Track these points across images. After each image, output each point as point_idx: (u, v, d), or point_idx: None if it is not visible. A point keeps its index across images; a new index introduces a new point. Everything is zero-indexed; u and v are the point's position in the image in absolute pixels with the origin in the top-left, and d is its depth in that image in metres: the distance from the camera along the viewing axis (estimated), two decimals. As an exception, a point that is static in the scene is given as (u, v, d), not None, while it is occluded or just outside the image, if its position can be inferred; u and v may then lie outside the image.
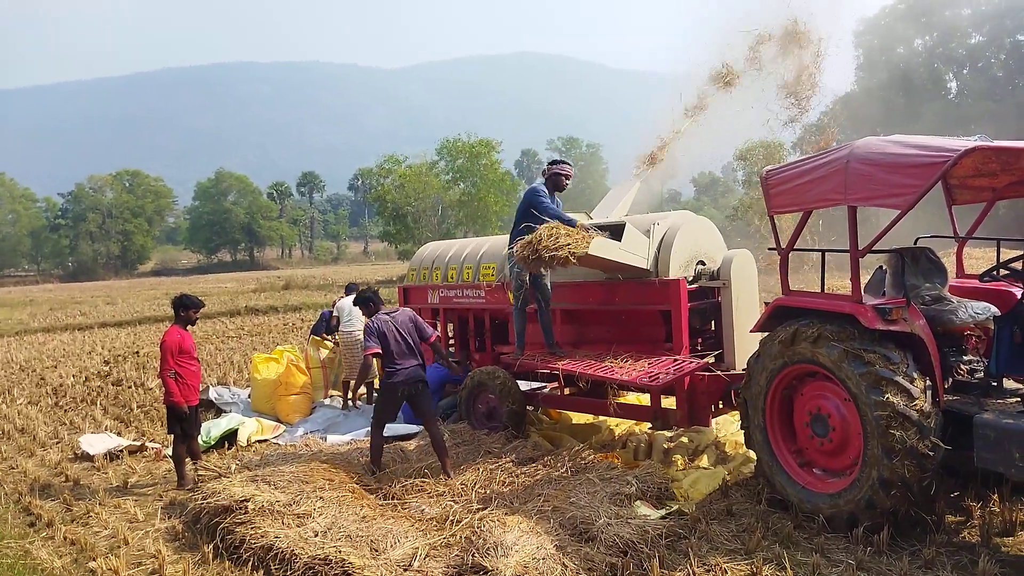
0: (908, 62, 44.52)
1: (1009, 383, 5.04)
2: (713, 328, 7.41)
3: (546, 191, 7.20)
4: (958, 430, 4.64)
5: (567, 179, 7.39)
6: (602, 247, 6.56)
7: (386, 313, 6.67)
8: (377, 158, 50.29)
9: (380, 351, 6.45)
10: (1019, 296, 5.08)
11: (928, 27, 44.59)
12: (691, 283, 7.02)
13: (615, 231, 6.94)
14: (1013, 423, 4.30)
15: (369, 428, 8.52)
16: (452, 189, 45.98)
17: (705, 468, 6.38)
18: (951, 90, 45.62)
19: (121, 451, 8.23)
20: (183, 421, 6.96)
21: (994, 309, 5.05)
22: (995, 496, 5.27)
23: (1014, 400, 4.80)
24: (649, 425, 7.32)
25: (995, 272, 5.40)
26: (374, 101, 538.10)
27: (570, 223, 6.80)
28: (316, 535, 5.10)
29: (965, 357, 5.21)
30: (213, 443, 8.14)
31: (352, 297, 10.18)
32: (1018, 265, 5.21)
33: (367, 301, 6.86)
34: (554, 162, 7.47)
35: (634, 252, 6.85)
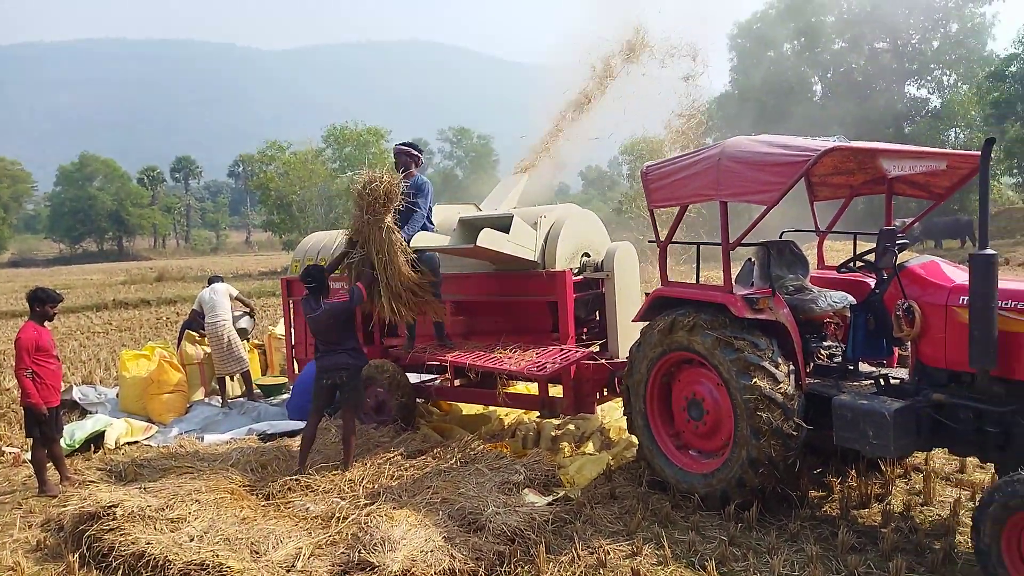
0: (778, 65, 47.18)
1: (864, 367, 5.47)
2: (597, 318, 7.61)
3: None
4: (819, 411, 4.99)
5: (411, 163, 7.22)
6: (490, 239, 6.59)
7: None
8: (259, 143, 48.36)
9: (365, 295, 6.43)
10: (872, 286, 5.50)
11: (796, 32, 47.36)
12: (576, 274, 7.17)
13: (503, 223, 7.00)
14: (867, 404, 4.65)
15: (250, 426, 8.25)
16: (339, 178, 44.89)
17: (591, 454, 6.56)
18: (816, 92, 48.67)
19: (-28, 458, 7.57)
20: (42, 423, 6.47)
21: (851, 298, 5.45)
22: (852, 472, 5.71)
23: (868, 382, 5.20)
24: (537, 414, 7.44)
25: (852, 264, 5.82)
26: (255, 84, 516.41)
27: None
28: (192, 540, 4.86)
29: (825, 343, 5.60)
30: (78, 446, 7.61)
31: (213, 287, 9.78)
32: (872, 257, 5.63)
33: (310, 277, 6.40)
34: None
35: (522, 244, 6.93)
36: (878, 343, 5.36)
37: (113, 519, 5.12)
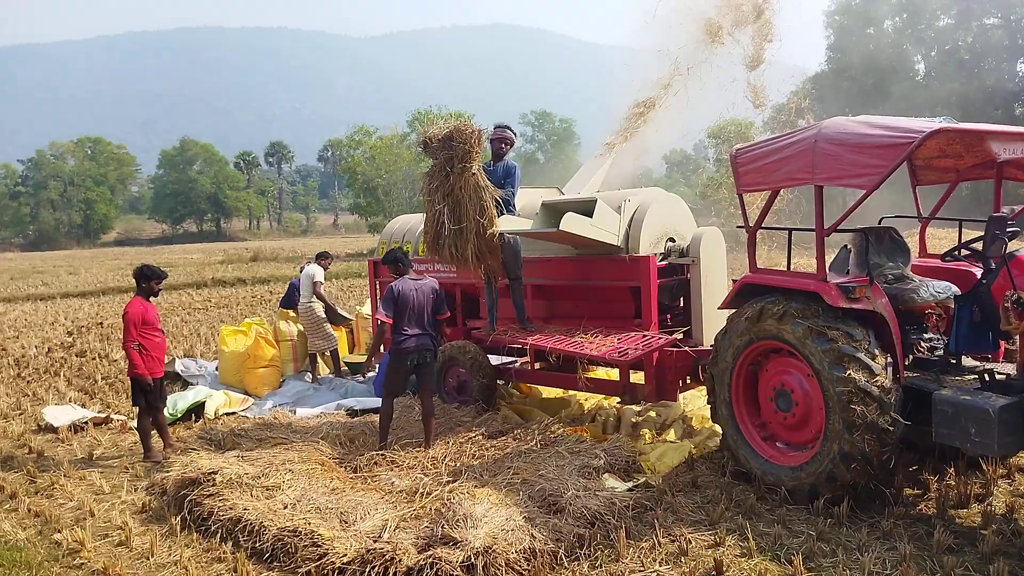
0: (878, 43, 44.90)
1: (968, 361, 5.19)
2: (682, 304, 7.49)
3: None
4: (917, 406, 4.78)
5: (505, 145, 7.26)
6: (573, 223, 6.58)
7: (411, 279, 6.50)
8: (347, 128, 49.58)
9: (391, 320, 6.35)
10: (979, 276, 5.20)
11: (898, 8, 44.95)
12: (661, 260, 7.08)
13: (587, 207, 6.96)
14: (970, 399, 4.43)
15: (339, 402, 8.52)
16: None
17: (672, 442, 6.48)
18: (919, 72, 46.14)
19: (86, 423, 8.12)
20: (148, 393, 6.88)
21: (955, 288, 5.18)
22: (951, 470, 5.45)
23: (972, 377, 4.94)
24: (618, 399, 7.41)
25: (957, 252, 5.53)
26: (344, 70, 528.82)
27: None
28: (285, 507, 5.10)
29: (926, 335, 5.34)
30: (180, 415, 8.07)
31: (304, 268, 10.11)
32: (979, 246, 5.33)
33: (396, 261, 6.56)
34: (496, 127, 7.32)
35: (605, 228, 6.88)
36: (983, 336, 5.08)
37: (213, 485, 5.42)
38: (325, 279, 10.23)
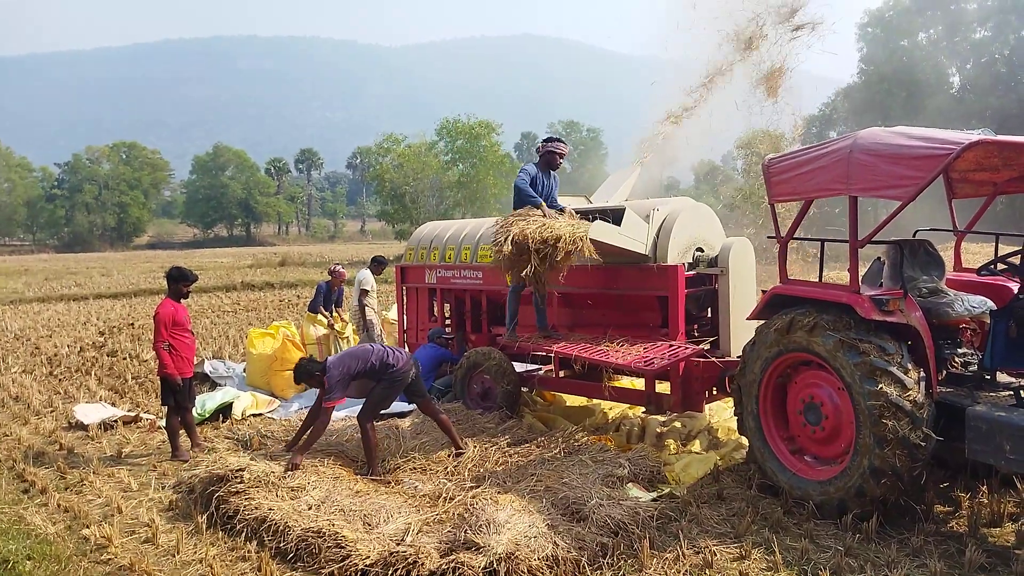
0: (911, 55, 44.35)
1: (1003, 377, 5.08)
2: (709, 315, 7.43)
3: (535, 170, 7.18)
4: (950, 422, 4.68)
5: (561, 157, 7.38)
6: (601, 231, 6.56)
7: (341, 357, 6.38)
8: (376, 137, 50.00)
9: (343, 400, 6.31)
10: (1015, 291, 5.10)
11: (933, 20, 44.36)
12: (689, 269, 7.03)
13: (615, 216, 6.94)
14: (1005, 416, 4.33)
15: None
16: (451, 170, 45.80)
17: (697, 453, 6.42)
18: (954, 84, 45.46)
19: (115, 421, 8.25)
20: (177, 393, 6.97)
21: (990, 303, 5.08)
22: (984, 487, 5.32)
23: (1007, 393, 4.84)
24: (643, 409, 7.36)
25: (993, 266, 5.42)
26: (374, 79, 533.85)
27: (533, 201, 6.85)
28: (310, 508, 5.14)
29: (960, 350, 5.24)
30: (208, 416, 8.16)
31: (364, 271, 10.37)
32: (1016, 260, 5.23)
33: (309, 375, 6.29)
34: (547, 139, 7.42)
35: (633, 237, 6.86)
36: (1019, 352, 4.97)
37: (240, 482, 5.47)
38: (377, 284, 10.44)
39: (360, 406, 6.38)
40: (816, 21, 8.55)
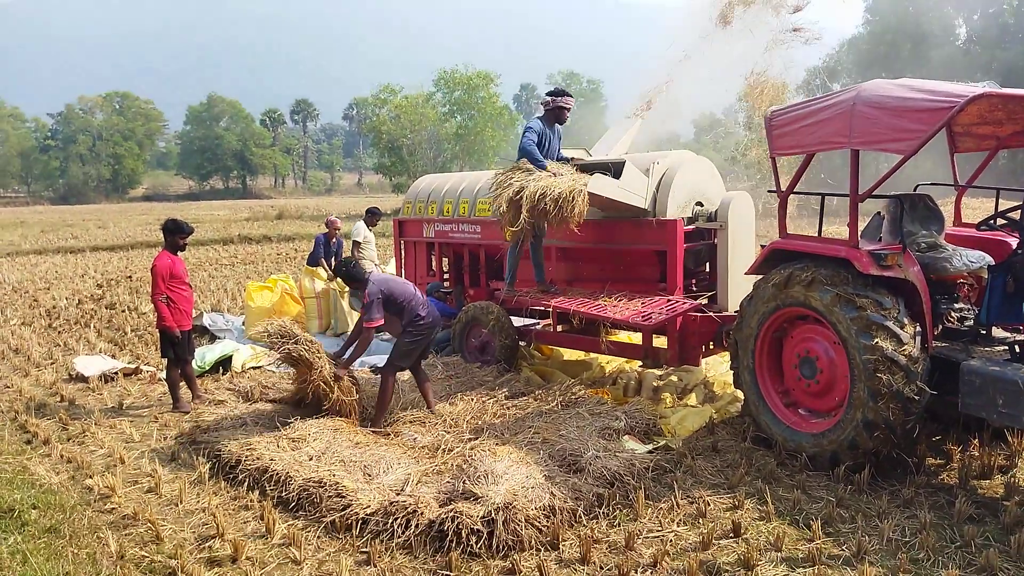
0: (917, 5, 43.45)
1: (998, 332, 5.11)
2: (707, 269, 7.43)
3: (541, 126, 7.07)
4: (944, 376, 4.73)
5: (568, 111, 7.25)
6: (600, 185, 6.51)
7: (379, 274, 6.45)
8: (373, 87, 49.22)
9: (382, 321, 6.11)
10: (1014, 246, 5.09)
11: (940, -30, 43.37)
12: (688, 224, 7.00)
13: (615, 169, 6.88)
14: (999, 371, 4.37)
15: (362, 359, 8.57)
16: (448, 122, 45.24)
17: (693, 406, 6.49)
18: (960, 36, 44.67)
19: (116, 373, 8.30)
20: (176, 345, 7.00)
21: (989, 258, 5.07)
22: (975, 441, 5.40)
23: (1002, 348, 4.87)
24: (639, 363, 7.41)
25: (993, 221, 5.40)
26: (371, 27, 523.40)
27: (540, 165, 6.72)
28: (311, 459, 5.21)
29: (956, 305, 5.26)
30: (208, 368, 8.21)
31: (359, 223, 10.36)
32: (1016, 215, 5.20)
33: (352, 278, 6.32)
34: (555, 93, 7.23)
35: (632, 191, 6.81)
36: (1016, 307, 4.98)
37: (244, 425, 5.52)
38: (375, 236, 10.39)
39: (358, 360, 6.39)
40: None
